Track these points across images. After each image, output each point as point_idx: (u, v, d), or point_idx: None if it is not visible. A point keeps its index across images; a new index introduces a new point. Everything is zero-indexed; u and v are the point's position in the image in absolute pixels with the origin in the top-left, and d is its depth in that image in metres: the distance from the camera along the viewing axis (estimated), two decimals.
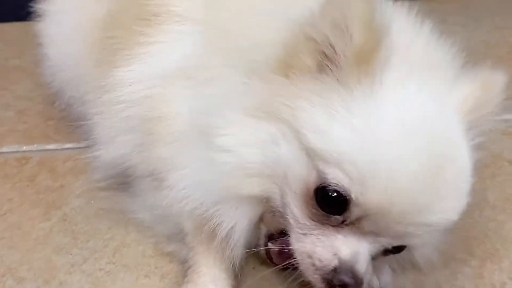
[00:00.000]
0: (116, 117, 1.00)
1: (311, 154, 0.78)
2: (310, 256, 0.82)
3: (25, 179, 1.25)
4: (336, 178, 0.76)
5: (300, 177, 0.80)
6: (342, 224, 0.80)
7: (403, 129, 0.76)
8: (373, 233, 0.80)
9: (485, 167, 1.26)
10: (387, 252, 0.85)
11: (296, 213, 0.82)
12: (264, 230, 0.93)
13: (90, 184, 1.13)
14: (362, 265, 0.80)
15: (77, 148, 1.28)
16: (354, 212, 0.77)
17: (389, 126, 0.76)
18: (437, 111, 0.80)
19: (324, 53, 0.79)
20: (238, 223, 0.87)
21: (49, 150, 1.34)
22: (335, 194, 0.77)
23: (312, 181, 0.79)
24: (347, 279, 0.79)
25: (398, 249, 0.85)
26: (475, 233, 1.10)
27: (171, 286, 0.99)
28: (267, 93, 0.82)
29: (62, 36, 1.24)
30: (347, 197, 0.76)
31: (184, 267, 0.99)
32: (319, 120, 0.77)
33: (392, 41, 0.79)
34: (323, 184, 0.77)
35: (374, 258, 0.84)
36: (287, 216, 0.84)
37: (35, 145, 1.35)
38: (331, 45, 0.78)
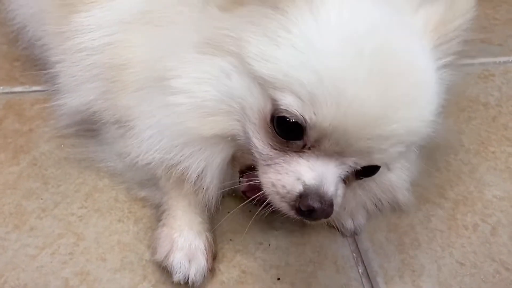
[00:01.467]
0: (78, 65, 0.96)
1: (262, 82, 0.78)
2: (274, 185, 0.81)
3: None
4: (288, 103, 0.75)
5: (255, 107, 0.79)
6: (304, 149, 0.79)
7: (344, 40, 0.74)
8: (337, 154, 0.78)
9: (460, 111, 1.26)
10: (358, 174, 0.83)
11: (258, 145, 0.81)
12: (237, 168, 0.92)
13: (60, 129, 1.10)
14: (329, 187, 0.79)
15: (45, 90, 1.22)
16: (312, 134, 0.76)
17: (330, 38, 0.75)
18: (388, 20, 0.79)
19: None
20: (208, 165, 0.86)
21: (16, 92, 1.29)
22: (290, 120, 0.76)
23: (268, 110, 0.78)
24: (313, 203, 0.78)
25: (369, 171, 0.83)
26: (449, 176, 1.11)
27: (145, 231, 0.98)
28: (215, 28, 0.81)
29: None
30: (302, 120, 0.75)
31: (158, 212, 0.98)
32: (263, 47, 0.77)
33: None
34: (277, 111, 0.76)
35: (346, 181, 0.83)
36: (252, 151, 0.83)
37: (1, 88, 1.29)
38: None
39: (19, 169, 1.09)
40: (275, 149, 0.80)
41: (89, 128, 1.04)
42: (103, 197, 1.04)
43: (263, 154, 0.81)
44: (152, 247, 0.95)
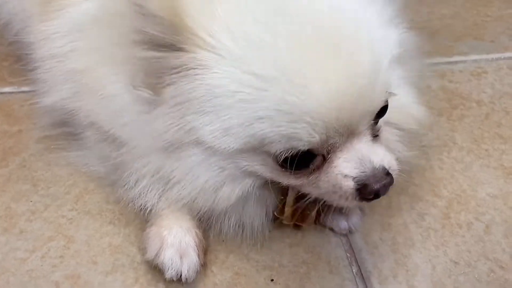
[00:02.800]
0: (50, 71, 0.98)
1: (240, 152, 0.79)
2: (328, 191, 0.82)
3: None
4: (278, 149, 0.75)
5: (257, 166, 0.81)
6: (325, 158, 0.80)
7: (259, 61, 0.73)
8: (350, 135, 0.78)
9: (453, 108, 1.25)
10: (376, 119, 0.82)
11: (289, 183, 0.84)
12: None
13: (44, 128, 1.08)
14: (372, 161, 0.80)
15: (34, 91, 1.21)
16: (319, 148, 0.77)
17: (251, 72, 0.73)
18: None
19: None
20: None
21: (5, 93, 1.27)
22: (294, 155, 0.76)
23: (269, 161, 0.79)
24: (374, 186, 0.79)
25: (381, 112, 0.82)
26: (442, 174, 1.10)
27: (136, 233, 0.97)
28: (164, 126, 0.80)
29: None
30: (303, 149, 0.76)
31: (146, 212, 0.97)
32: (211, 127, 0.76)
33: None
34: (278, 158, 0.77)
35: (374, 135, 0.83)
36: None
37: None
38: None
39: (8, 171, 1.08)
40: (305, 175, 0.81)
41: (71, 131, 1.04)
42: (94, 199, 1.03)
43: (298, 183, 0.83)
44: (143, 248, 0.94)
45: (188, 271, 0.89)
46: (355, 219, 0.98)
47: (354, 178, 0.79)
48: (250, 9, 0.75)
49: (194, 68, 0.74)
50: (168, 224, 0.92)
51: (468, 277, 0.94)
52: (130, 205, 0.93)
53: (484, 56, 1.41)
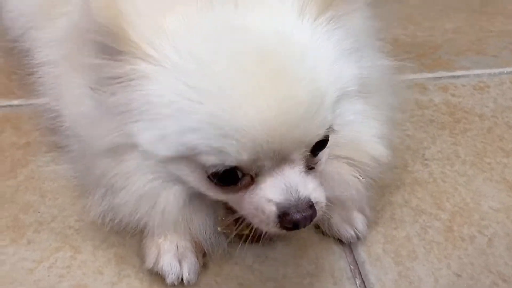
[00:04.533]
0: (45, 76, 1.01)
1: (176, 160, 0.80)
2: (253, 214, 0.81)
3: None
4: (206, 160, 0.76)
5: (186, 176, 0.82)
6: (254, 179, 0.79)
7: (196, 73, 0.73)
8: (281, 160, 0.77)
9: (456, 122, 1.27)
10: (313, 152, 0.82)
11: (216, 196, 0.84)
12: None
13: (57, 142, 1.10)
14: (298, 191, 0.79)
15: (43, 104, 1.23)
16: (245, 168, 0.77)
17: (187, 81, 0.74)
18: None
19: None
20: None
21: (13, 106, 1.29)
22: (221, 171, 0.77)
23: (198, 172, 0.80)
24: (294, 216, 0.78)
25: (319, 145, 0.81)
26: (445, 187, 1.11)
27: (141, 243, 0.98)
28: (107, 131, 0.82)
29: None
30: (230, 166, 0.76)
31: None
32: (148, 133, 0.77)
33: None
34: (206, 170, 0.78)
35: (312, 167, 0.83)
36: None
37: None
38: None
39: (17, 183, 1.09)
40: (232, 192, 0.82)
41: (60, 144, 1.05)
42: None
43: (224, 198, 0.84)
44: (142, 258, 0.95)
45: (188, 273, 0.91)
46: (360, 226, 0.98)
47: (277, 204, 0.79)
48: (196, 24, 0.76)
49: (135, 79, 0.75)
50: (162, 231, 0.92)
51: None
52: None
53: (487, 71, 1.42)
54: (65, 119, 0.96)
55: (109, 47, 0.74)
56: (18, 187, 1.08)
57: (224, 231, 0.92)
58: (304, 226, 0.80)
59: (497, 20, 1.64)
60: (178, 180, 0.84)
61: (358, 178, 0.93)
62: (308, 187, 0.80)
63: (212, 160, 0.76)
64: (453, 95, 1.34)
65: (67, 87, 0.91)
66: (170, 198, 0.86)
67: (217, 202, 0.89)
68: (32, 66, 1.07)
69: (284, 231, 0.81)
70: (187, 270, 0.91)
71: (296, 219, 0.78)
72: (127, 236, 0.99)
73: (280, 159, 0.77)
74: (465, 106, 1.31)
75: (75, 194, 1.06)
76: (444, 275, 0.96)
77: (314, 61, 0.77)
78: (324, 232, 1.00)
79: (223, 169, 0.77)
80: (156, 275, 0.93)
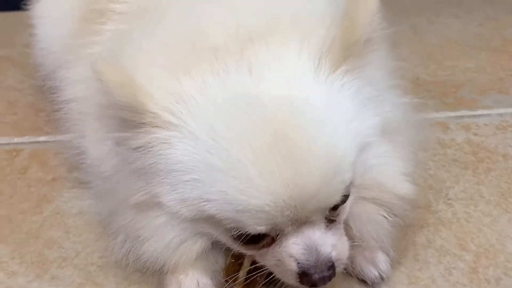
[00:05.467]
0: (68, 114, 1.06)
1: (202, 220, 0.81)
2: (276, 265, 0.83)
3: (16, 172, 1.23)
4: (232, 228, 0.77)
5: (215, 234, 0.84)
6: (275, 239, 0.81)
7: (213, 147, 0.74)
8: (302, 221, 0.78)
9: (479, 162, 1.26)
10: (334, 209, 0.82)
11: (241, 250, 0.85)
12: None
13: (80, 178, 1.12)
14: (319, 251, 0.80)
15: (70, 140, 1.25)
16: (268, 232, 0.78)
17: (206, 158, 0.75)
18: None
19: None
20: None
21: (41, 142, 1.32)
22: (247, 237, 0.78)
23: (222, 233, 0.82)
24: (313, 277, 0.79)
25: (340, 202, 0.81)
26: (469, 228, 1.10)
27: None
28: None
29: (54, 17, 1.24)
30: (254, 234, 0.77)
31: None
32: (169, 197, 0.79)
33: None
34: (230, 232, 0.79)
35: (334, 221, 0.83)
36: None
37: (27, 137, 1.33)
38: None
39: (42, 218, 1.11)
40: (255, 249, 0.83)
41: (83, 180, 1.08)
42: None
43: (249, 253, 0.86)
44: None
45: None
46: (383, 265, 0.97)
47: (298, 262, 0.80)
48: (211, 90, 0.76)
49: (157, 145, 0.77)
50: (183, 268, 0.93)
51: None
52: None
53: (509, 110, 1.41)
54: (88, 156, 0.98)
55: (130, 121, 0.76)
56: (43, 222, 1.10)
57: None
58: (323, 285, 0.81)
59: None
60: (205, 233, 0.85)
61: (386, 217, 0.93)
62: (328, 245, 0.81)
63: (231, 226, 0.77)
64: (476, 134, 1.34)
65: (90, 129, 0.94)
66: (196, 246, 0.88)
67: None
68: (58, 103, 1.11)
69: (303, 287, 0.82)
70: None
71: (314, 280, 0.79)
72: (150, 273, 0.99)
73: (300, 223, 0.78)
74: (488, 145, 1.30)
75: (99, 230, 1.07)
76: None
77: (332, 127, 0.76)
78: (347, 271, 0.99)
79: (244, 234, 0.78)
80: None
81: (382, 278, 0.97)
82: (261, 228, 0.76)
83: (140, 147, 0.78)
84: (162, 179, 0.79)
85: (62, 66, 1.12)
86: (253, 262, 0.89)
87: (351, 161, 0.78)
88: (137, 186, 0.82)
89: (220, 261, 0.94)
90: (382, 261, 0.98)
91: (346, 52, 0.78)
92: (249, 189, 0.73)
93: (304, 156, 0.74)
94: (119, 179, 0.86)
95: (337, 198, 0.79)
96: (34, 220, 1.10)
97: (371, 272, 0.97)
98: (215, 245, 0.90)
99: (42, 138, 1.32)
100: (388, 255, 0.99)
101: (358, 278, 0.99)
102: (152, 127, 0.76)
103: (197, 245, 0.88)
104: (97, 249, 1.05)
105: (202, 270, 0.93)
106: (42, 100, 1.39)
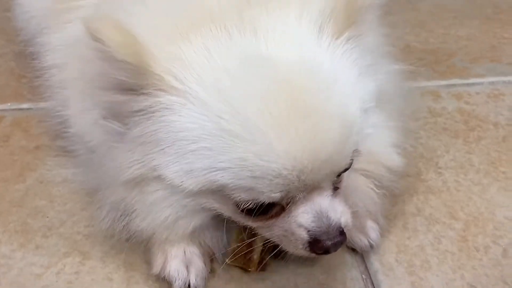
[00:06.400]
0: (51, 79, 1.02)
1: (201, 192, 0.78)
2: (284, 235, 0.82)
3: None
4: (242, 199, 0.76)
5: (217, 207, 0.82)
6: (285, 208, 0.80)
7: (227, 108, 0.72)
8: (311, 189, 0.77)
9: (470, 130, 1.25)
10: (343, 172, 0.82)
11: (247, 223, 0.84)
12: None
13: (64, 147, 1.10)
14: (330, 217, 0.80)
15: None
16: (279, 201, 0.77)
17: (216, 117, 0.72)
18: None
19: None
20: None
21: (23, 109, 1.29)
22: (256, 207, 0.77)
23: (230, 206, 0.80)
24: (325, 243, 0.79)
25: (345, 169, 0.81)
26: (459, 196, 1.09)
27: None
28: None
29: None
30: (264, 203, 0.76)
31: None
32: (177, 167, 0.76)
33: None
34: (240, 206, 0.78)
35: (335, 188, 0.83)
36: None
37: (8, 104, 1.30)
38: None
39: (25, 187, 1.09)
40: (262, 220, 0.82)
41: (67, 148, 1.05)
42: None
43: (254, 225, 0.84)
44: (150, 264, 0.94)
45: (196, 279, 0.90)
46: (373, 234, 0.97)
47: (308, 231, 0.79)
48: (217, 55, 0.74)
49: (159, 111, 0.74)
50: (172, 239, 0.92)
51: None
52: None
53: (501, 78, 1.41)
54: (72, 125, 0.95)
55: (131, 83, 0.72)
56: (26, 191, 1.08)
57: (233, 264, 0.92)
58: (334, 251, 0.80)
59: (511, 27, 1.62)
60: (205, 209, 0.83)
61: (373, 189, 0.93)
62: (338, 212, 0.81)
63: (243, 197, 0.75)
64: (467, 103, 1.33)
65: (76, 95, 0.90)
66: (192, 223, 0.86)
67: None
68: (39, 69, 1.08)
69: (313, 255, 0.81)
70: (194, 276, 0.90)
71: (327, 246, 0.79)
72: (137, 242, 0.98)
73: (311, 189, 0.77)
74: (479, 114, 1.29)
75: (85, 199, 1.05)
76: (458, 286, 0.94)
77: (342, 88, 0.76)
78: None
79: (254, 205, 0.76)
80: (164, 281, 0.92)
81: (371, 247, 0.97)
82: (275, 196, 0.74)
83: (140, 110, 0.74)
84: (164, 149, 0.75)
85: (43, 31, 1.09)
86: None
87: (360, 123, 0.78)
88: (131, 160, 0.79)
89: (209, 232, 0.92)
90: (372, 230, 0.98)
91: (349, 20, 0.78)
92: (269, 154, 0.71)
93: (320, 117, 0.73)
94: (107, 154, 0.82)
95: (348, 161, 0.78)
96: (17, 188, 1.08)
97: (361, 241, 0.96)
98: (214, 220, 0.88)
99: (25, 105, 1.29)
100: (377, 223, 0.99)
101: (347, 246, 0.98)
102: (155, 89, 0.73)
103: (193, 222, 0.86)
104: (83, 218, 1.03)
105: (188, 239, 0.92)
106: (24, 66, 1.35)
